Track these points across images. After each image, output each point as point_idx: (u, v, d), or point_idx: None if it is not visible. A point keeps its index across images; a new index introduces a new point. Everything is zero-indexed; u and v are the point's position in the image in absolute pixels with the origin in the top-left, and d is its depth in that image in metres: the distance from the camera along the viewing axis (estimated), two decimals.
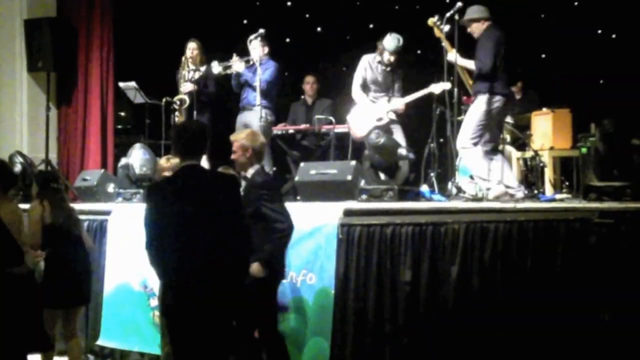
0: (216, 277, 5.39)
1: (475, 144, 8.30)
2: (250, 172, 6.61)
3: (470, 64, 8.36)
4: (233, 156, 6.66)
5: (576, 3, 11.56)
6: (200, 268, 5.37)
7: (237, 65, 10.10)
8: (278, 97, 10.35)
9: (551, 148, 9.45)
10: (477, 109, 8.30)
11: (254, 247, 5.93)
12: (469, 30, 8.50)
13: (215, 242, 5.40)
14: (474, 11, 8.48)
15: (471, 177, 9.19)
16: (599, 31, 11.53)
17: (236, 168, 6.75)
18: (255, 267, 6.24)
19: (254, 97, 9.85)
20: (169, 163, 7.10)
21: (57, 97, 11.89)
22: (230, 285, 5.46)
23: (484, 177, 8.28)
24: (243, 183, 6.56)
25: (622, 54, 10.98)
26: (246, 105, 10.11)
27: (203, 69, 10.25)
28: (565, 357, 6.32)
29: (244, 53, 10.05)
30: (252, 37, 9.88)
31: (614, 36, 11.45)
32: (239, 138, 6.65)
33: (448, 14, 8.64)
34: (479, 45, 8.37)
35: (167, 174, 6.85)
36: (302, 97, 11.49)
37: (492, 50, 8.24)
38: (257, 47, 10.00)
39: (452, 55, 8.45)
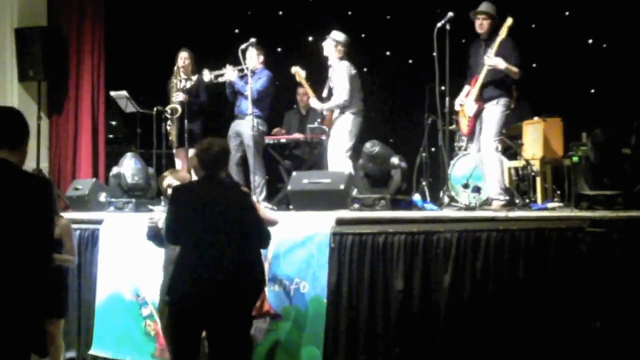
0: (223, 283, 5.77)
1: (496, 148, 8.34)
2: None
3: (510, 69, 8.29)
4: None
5: (567, 13, 11.60)
6: (206, 273, 5.77)
7: (229, 74, 10.11)
8: (271, 107, 10.35)
9: (543, 157, 9.45)
10: (500, 111, 8.34)
11: None
12: (478, 22, 8.47)
13: (226, 251, 5.82)
14: (492, 7, 8.48)
15: (464, 186, 9.20)
16: (590, 41, 11.56)
17: None
18: None
19: (247, 106, 9.86)
20: (176, 176, 7.08)
21: (48, 106, 11.84)
22: (238, 292, 5.86)
23: (502, 183, 8.31)
24: None
25: (612, 63, 11.00)
26: (238, 114, 10.13)
27: (194, 78, 10.25)
28: None
29: (236, 62, 10.06)
30: (243, 46, 9.88)
31: (604, 45, 11.48)
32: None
33: (439, 24, 8.65)
34: (506, 46, 8.33)
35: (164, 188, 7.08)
36: (296, 106, 11.52)
37: (519, 56, 8.29)
38: (252, 56, 10.03)
39: (492, 61, 8.30)
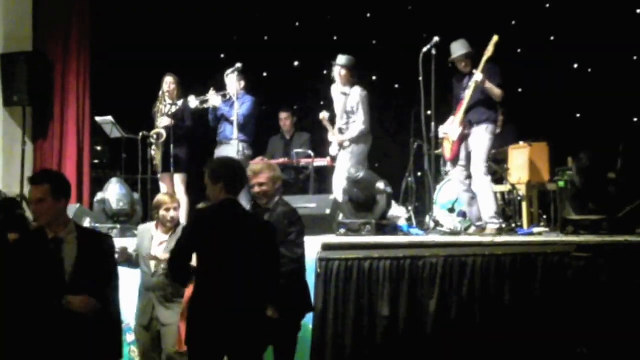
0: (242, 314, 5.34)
1: (487, 172, 8.30)
2: (271, 204, 6.41)
3: (493, 89, 8.30)
4: (262, 189, 6.37)
5: (552, 38, 11.63)
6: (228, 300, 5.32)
7: (214, 99, 10.11)
8: (255, 131, 10.34)
9: (528, 181, 9.44)
10: (486, 137, 8.33)
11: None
12: (462, 65, 8.46)
13: (247, 281, 5.37)
14: (465, 46, 8.46)
15: (450, 211, 9.19)
16: (575, 65, 11.59)
17: (262, 201, 6.43)
18: (270, 312, 5.94)
19: (231, 131, 9.85)
20: (173, 200, 7.00)
21: (33, 131, 11.81)
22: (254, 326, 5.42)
23: (495, 207, 8.26)
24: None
25: (598, 88, 11.03)
26: (223, 140, 10.11)
27: (180, 103, 10.23)
28: None
29: (221, 87, 10.06)
30: (229, 71, 9.90)
31: (589, 70, 11.51)
32: (263, 169, 6.44)
33: (425, 49, 8.65)
34: (491, 67, 8.33)
35: (170, 212, 6.98)
36: (281, 131, 11.51)
37: (502, 77, 8.29)
38: (233, 82, 10.01)
39: (480, 76, 8.30)
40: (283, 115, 11.39)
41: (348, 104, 9.49)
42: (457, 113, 8.48)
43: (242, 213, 5.62)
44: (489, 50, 8.29)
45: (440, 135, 8.70)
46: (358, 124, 9.43)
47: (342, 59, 9.54)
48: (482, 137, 8.31)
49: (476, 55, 8.41)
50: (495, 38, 8.26)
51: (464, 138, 8.42)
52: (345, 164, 9.27)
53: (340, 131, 9.54)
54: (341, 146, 9.48)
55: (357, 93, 9.47)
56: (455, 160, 8.59)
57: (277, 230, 5.90)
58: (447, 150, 8.71)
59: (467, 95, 8.37)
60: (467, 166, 8.42)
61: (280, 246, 5.91)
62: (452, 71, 8.81)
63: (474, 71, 8.32)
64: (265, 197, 6.43)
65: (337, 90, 9.63)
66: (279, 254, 5.70)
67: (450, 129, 8.52)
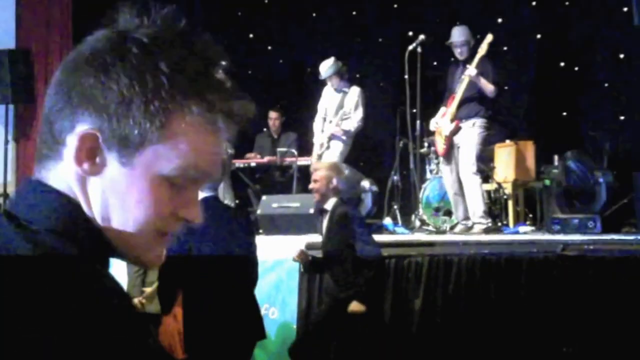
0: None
1: (476, 171, 8.23)
2: (330, 204, 6.24)
3: (486, 85, 8.24)
4: (313, 185, 6.26)
5: (539, 36, 11.61)
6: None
7: None
8: (239, 130, 10.30)
9: (515, 180, 9.41)
10: (478, 133, 8.26)
11: (348, 280, 5.96)
12: (458, 51, 8.40)
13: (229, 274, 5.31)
14: (466, 32, 8.43)
15: (435, 210, 9.15)
16: (562, 64, 11.58)
17: (315, 198, 6.37)
18: (354, 305, 5.90)
19: None
20: None
21: (15, 129, 11.72)
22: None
23: (483, 206, 8.20)
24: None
25: (584, 87, 11.02)
26: None
27: None
28: None
29: None
30: None
31: (576, 69, 11.50)
32: (321, 168, 6.36)
33: (411, 47, 8.61)
34: (485, 64, 8.29)
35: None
36: (266, 129, 11.47)
37: (497, 74, 8.23)
38: None
39: (473, 71, 8.23)
40: (273, 115, 11.33)
41: (346, 101, 9.59)
42: (449, 105, 8.42)
43: (222, 209, 5.60)
44: (483, 49, 8.25)
45: (432, 127, 8.64)
46: (354, 120, 9.52)
47: (323, 72, 9.67)
48: (471, 133, 8.25)
49: (474, 47, 8.36)
50: (490, 37, 8.22)
51: (455, 133, 8.37)
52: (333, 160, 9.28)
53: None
54: (330, 138, 9.52)
55: (356, 91, 9.62)
56: (447, 156, 8.54)
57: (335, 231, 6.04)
58: (439, 144, 8.64)
59: (460, 90, 8.32)
60: (456, 163, 8.37)
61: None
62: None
63: (468, 65, 8.26)
64: (316, 193, 6.28)
65: (332, 89, 9.71)
66: (254, 247, 5.60)
67: (442, 122, 8.46)
